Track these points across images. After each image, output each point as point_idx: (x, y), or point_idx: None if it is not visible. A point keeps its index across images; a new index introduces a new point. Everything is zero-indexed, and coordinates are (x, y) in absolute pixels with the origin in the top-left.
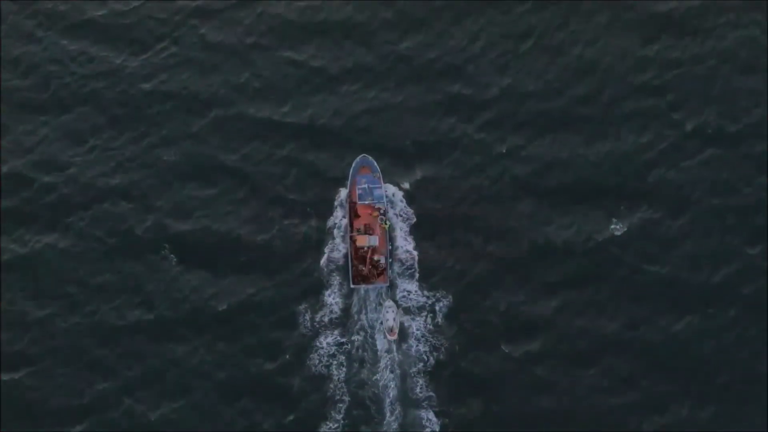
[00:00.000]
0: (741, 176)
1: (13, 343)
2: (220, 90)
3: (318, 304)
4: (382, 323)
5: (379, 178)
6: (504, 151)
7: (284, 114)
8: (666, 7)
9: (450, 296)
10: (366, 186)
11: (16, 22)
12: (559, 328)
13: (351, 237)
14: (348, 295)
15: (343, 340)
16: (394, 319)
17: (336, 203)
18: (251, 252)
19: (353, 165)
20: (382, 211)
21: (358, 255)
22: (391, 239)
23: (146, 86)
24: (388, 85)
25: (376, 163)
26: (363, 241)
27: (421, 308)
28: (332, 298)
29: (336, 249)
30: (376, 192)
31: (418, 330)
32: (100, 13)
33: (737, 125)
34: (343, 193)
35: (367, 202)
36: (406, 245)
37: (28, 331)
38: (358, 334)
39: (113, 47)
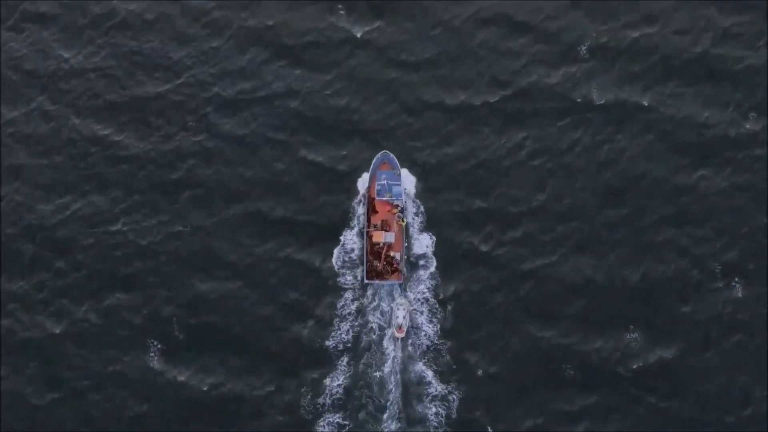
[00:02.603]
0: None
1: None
2: (242, 184)
3: (321, 387)
4: (391, 319)
5: (398, 174)
6: (528, 268)
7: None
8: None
9: (464, 391)
10: (385, 182)
11: (34, 98)
12: None
13: (367, 233)
14: (354, 377)
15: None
16: (404, 317)
17: (343, 287)
18: (260, 346)
19: (374, 161)
20: (399, 208)
21: (373, 251)
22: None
23: (164, 174)
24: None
25: (396, 160)
26: (379, 237)
27: (434, 397)
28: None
29: (343, 332)
30: (395, 188)
31: (434, 417)
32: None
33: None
34: (362, 186)
35: (385, 199)
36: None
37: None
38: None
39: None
